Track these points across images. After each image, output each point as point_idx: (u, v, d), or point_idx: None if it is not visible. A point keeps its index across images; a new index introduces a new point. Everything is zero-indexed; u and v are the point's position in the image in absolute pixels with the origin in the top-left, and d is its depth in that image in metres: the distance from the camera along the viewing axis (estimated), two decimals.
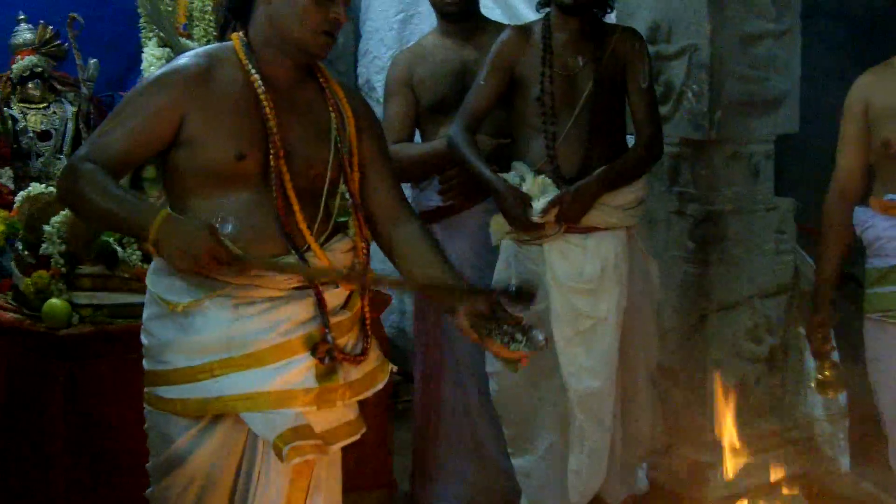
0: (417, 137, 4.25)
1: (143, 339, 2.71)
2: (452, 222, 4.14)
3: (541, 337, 2.58)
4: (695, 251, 4.34)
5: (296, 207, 2.63)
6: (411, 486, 4.35)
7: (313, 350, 2.61)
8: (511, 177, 3.78)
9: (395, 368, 2.84)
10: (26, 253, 3.83)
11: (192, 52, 2.71)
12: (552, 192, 3.68)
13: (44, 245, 3.70)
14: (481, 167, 3.73)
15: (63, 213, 3.66)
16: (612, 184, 3.73)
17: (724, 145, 4.34)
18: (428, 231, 2.88)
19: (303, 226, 2.64)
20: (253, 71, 2.64)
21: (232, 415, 2.61)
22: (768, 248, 4.45)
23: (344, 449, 2.77)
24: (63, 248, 3.68)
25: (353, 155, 2.76)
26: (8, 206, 4.19)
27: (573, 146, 3.75)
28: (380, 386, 2.79)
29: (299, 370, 2.61)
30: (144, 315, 2.71)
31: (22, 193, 3.87)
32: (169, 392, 2.63)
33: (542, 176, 3.73)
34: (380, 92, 5.50)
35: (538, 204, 3.66)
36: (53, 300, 3.64)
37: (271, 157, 2.61)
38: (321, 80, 2.78)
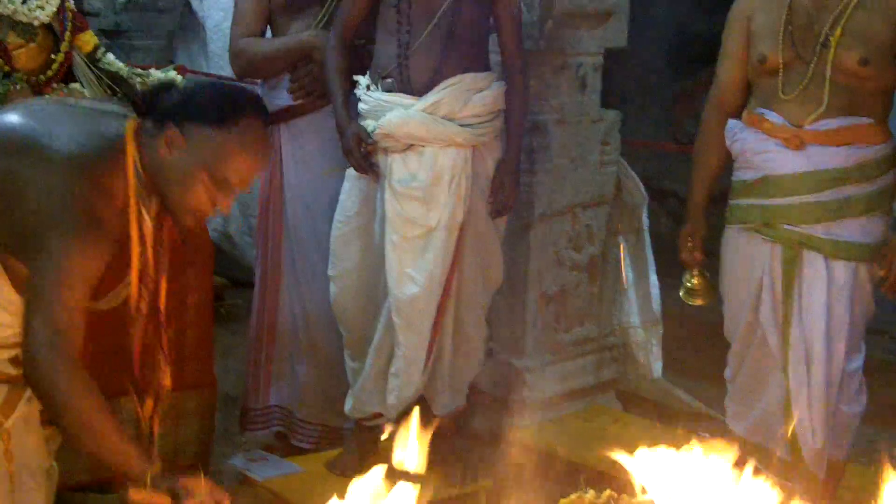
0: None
1: None
2: (300, 123, 4.10)
3: None
4: (522, 161, 4.38)
5: None
6: (245, 385, 4.36)
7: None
8: (362, 79, 3.77)
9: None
10: None
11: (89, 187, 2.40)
12: (395, 109, 3.69)
13: None
14: (338, 97, 3.76)
15: None
16: (521, 137, 3.95)
17: (553, 56, 4.37)
18: None
19: None
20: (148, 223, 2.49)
21: None
22: (592, 160, 4.53)
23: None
24: None
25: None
26: None
27: (426, 56, 3.71)
28: None
29: None
30: None
31: None
32: None
33: (391, 80, 3.73)
34: None
35: (380, 121, 3.68)
36: None
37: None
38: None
